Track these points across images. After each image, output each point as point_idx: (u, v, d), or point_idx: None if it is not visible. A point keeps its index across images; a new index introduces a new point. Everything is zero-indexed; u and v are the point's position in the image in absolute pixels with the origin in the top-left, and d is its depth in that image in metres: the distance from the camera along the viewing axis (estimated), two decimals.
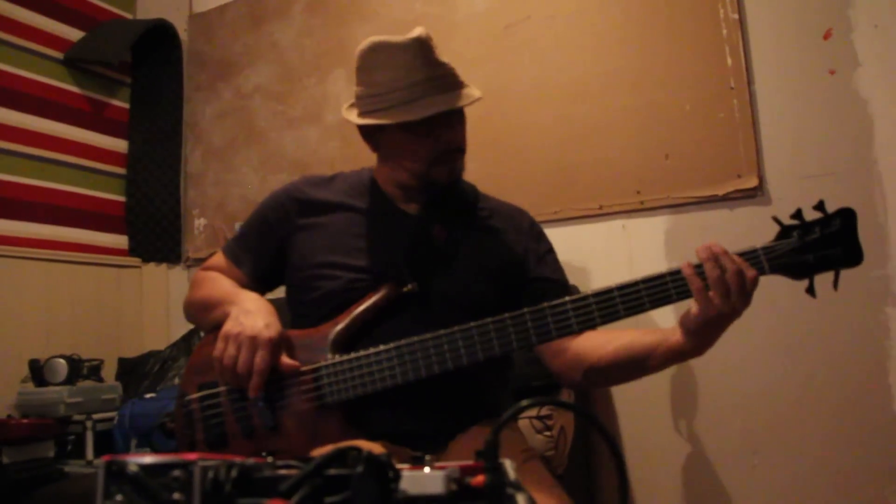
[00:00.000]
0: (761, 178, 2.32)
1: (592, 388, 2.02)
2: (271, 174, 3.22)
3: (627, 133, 2.53)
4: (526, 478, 1.36)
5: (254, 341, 1.40)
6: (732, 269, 1.24)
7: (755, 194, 2.33)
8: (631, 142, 2.52)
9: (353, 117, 1.53)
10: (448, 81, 1.48)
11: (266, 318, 1.44)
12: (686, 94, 2.44)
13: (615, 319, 1.32)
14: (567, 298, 1.34)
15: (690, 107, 2.44)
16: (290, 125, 3.21)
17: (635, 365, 1.40)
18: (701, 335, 1.31)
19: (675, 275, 1.29)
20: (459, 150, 1.53)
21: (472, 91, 1.51)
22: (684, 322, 1.31)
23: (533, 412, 1.93)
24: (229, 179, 3.35)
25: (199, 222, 3.40)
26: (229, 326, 1.43)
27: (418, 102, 1.44)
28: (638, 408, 2.47)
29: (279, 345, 1.43)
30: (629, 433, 2.47)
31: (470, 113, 1.58)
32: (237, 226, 1.75)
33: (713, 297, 1.25)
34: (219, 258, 1.70)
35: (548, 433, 1.93)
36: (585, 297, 1.33)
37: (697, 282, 1.26)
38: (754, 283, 1.26)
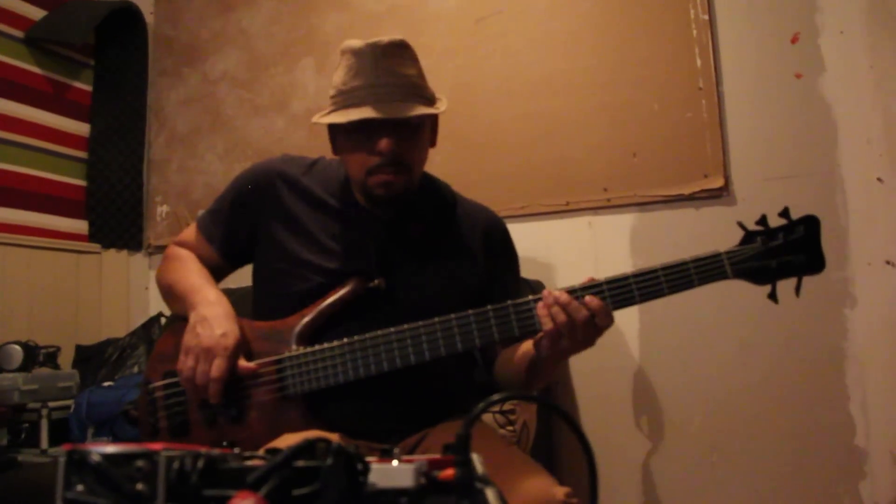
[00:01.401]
0: (727, 179, 2.35)
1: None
2: (236, 162, 3.19)
3: (596, 130, 2.55)
4: (515, 458, 1.38)
5: (209, 352, 1.42)
6: (580, 317, 1.30)
7: (721, 194, 2.36)
8: (599, 139, 2.54)
9: (316, 116, 1.53)
10: (400, 91, 1.45)
11: (223, 325, 1.45)
12: (655, 93, 2.46)
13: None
14: (531, 297, 1.36)
15: (659, 106, 2.46)
16: (256, 113, 3.19)
17: (521, 376, 1.49)
18: (556, 357, 1.39)
19: (639, 276, 1.33)
20: (397, 162, 1.47)
21: (433, 106, 1.50)
22: (540, 350, 1.39)
23: (495, 408, 1.93)
24: (193, 166, 3.31)
25: (162, 209, 3.36)
26: (187, 339, 1.46)
27: (357, 107, 1.43)
28: (599, 405, 2.49)
29: (236, 351, 1.44)
30: (590, 430, 2.48)
31: None
32: (200, 213, 1.73)
33: (562, 338, 1.33)
34: (191, 231, 1.69)
35: (510, 428, 1.94)
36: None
37: (549, 322, 1.32)
38: (606, 318, 1.32)
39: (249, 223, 1.61)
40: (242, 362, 1.45)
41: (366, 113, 1.41)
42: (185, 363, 1.44)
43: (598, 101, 2.55)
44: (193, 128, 3.34)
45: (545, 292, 1.32)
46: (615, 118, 2.52)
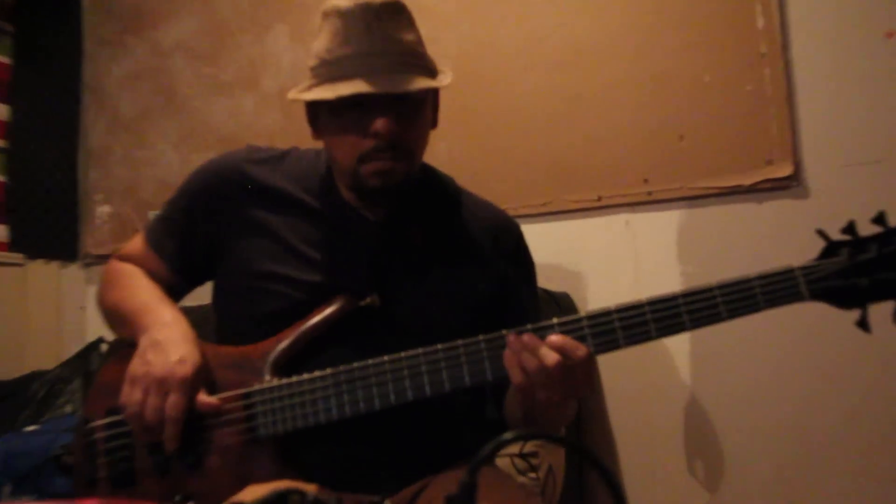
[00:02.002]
0: (797, 165, 2.33)
1: None
2: (195, 152, 3.18)
3: (633, 109, 2.53)
4: None
5: (163, 383, 1.40)
6: (552, 361, 1.27)
7: (789, 185, 2.33)
8: (637, 120, 2.53)
9: (292, 92, 1.52)
10: (397, 60, 1.45)
11: (180, 349, 1.43)
12: (705, 61, 2.44)
13: (613, 349, 1.32)
14: (555, 320, 1.34)
15: (711, 77, 2.44)
16: (219, 92, 3.18)
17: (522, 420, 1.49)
18: (539, 412, 1.40)
19: (690, 296, 1.30)
20: (395, 146, 1.46)
21: (436, 79, 1.50)
22: (523, 407, 1.42)
23: (514, 449, 1.92)
24: (142, 157, 3.29)
25: (103, 210, 3.35)
26: (135, 367, 1.43)
27: (347, 80, 1.42)
28: (643, 445, 2.47)
29: (196, 382, 1.42)
30: (631, 475, 2.48)
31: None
32: (151, 215, 1.72)
33: (537, 390, 1.31)
34: (138, 243, 1.69)
35: (533, 475, 1.93)
36: (579, 320, 1.33)
37: (519, 375, 1.30)
38: (587, 366, 1.30)
39: (208, 232, 1.60)
40: (203, 396, 1.43)
41: (359, 87, 1.40)
42: (132, 396, 1.41)
43: (635, 73, 2.54)
44: (141, 110, 3.32)
45: (510, 337, 1.32)
46: (656, 93, 2.51)
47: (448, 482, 1.42)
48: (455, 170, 1.71)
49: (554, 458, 1.98)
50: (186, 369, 1.41)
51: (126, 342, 1.55)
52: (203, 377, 1.45)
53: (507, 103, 2.70)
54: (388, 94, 1.42)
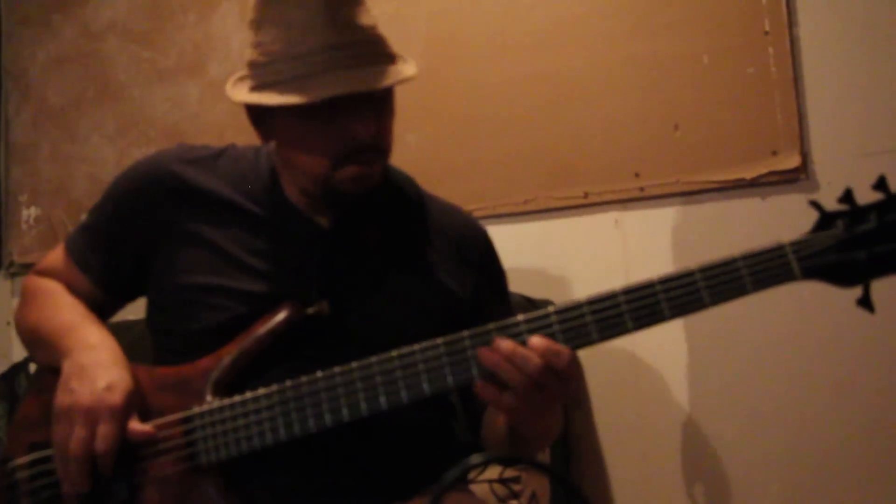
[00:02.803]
0: (805, 156, 2.32)
1: None
2: (134, 146, 3.19)
3: (623, 95, 2.53)
4: None
5: (89, 413, 1.39)
6: (534, 364, 1.27)
7: (796, 177, 2.32)
8: (628, 107, 2.52)
9: (239, 92, 1.51)
10: (366, 51, 1.47)
11: (108, 373, 1.43)
12: (703, 40, 2.44)
13: (587, 344, 1.33)
14: (520, 317, 1.34)
15: (709, 58, 2.43)
16: (160, 79, 3.18)
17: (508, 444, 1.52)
18: (526, 419, 1.38)
19: (668, 282, 1.31)
20: (375, 149, 1.51)
21: (403, 67, 1.51)
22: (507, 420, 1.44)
23: (494, 473, 1.91)
24: (73, 153, 3.29)
25: (29, 212, 3.35)
26: (59, 399, 1.43)
27: (317, 78, 1.42)
28: (635, 467, 2.47)
29: (126, 409, 1.42)
30: (623, 501, 2.47)
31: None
32: (85, 218, 1.72)
33: (522, 403, 1.30)
34: (58, 256, 1.69)
35: (514, 502, 1.93)
36: (546, 315, 1.33)
37: (493, 392, 1.30)
38: (569, 366, 1.29)
39: (136, 242, 1.62)
40: (135, 424, 1.43)
41: (336, 87, 1.40)
42: (56, 432, 1.41)
43: (624, 55, 2.53)
44: (71, 99, 3.31)
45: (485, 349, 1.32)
46: (649, 77, 2.50)
47: None
48: (425, 164, 1.71)
49: (538, 483, 1.99)
50: (114, 397, 1.41)
51: (48, 369, 1.56)
52: (135, 403, 1.45)
53: (483, 89, 2.69)
54: (366, 92, 1.43)
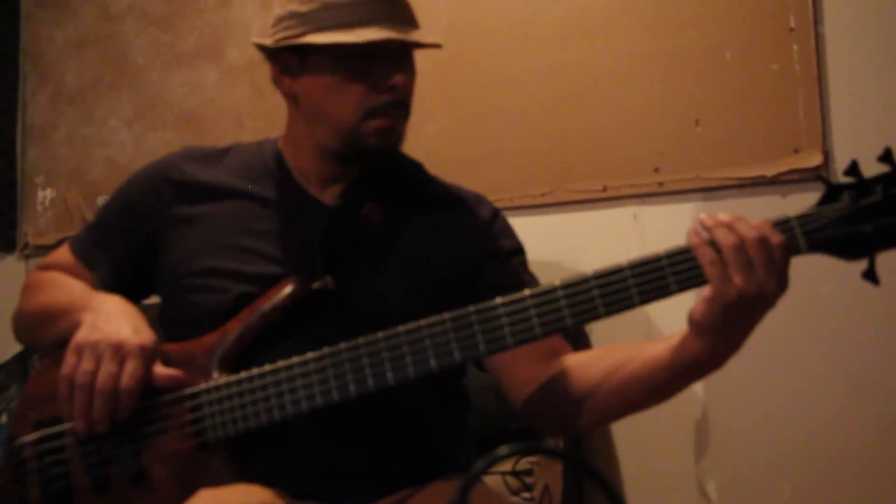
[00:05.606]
0: (827, 155, 2.33)
1: (572, 430, 2.01)
2: (151, 130, 3.19)
3: (644, 89, 2.54)
4: None
5: (119, 349, 1.39)
6: (752, 235, 1.22)
7: (819, 176, 2.32)
8: (648, 101, 2.53)
9: (266, 39, 1.54)
10: (402, 11, 1.51)
11: (134, 320, 1.44)
12: (726, 36, 2.44)
13: (592, 319, 1.32)
14: (527, 292, 1.33)
15: (732, 54, 2.44)
16: (178, 63, 3.18)
17: (632, 390, 1.42)
18: (718, 330, 1.28)
19: (674, 256, 1.27)
20: (403, 105, 1.54)
21: (430, 35, 1.55)
22: (695, 316, 1.28)
23: (507, 466, 1.92)
24: (90, 135, 3.29)
25: (45, 194, 3.35)
26: (84, 334, 1.42)
27: (363, 26, 1.44)
28: (650, 465, 2.48)
29: (153, 354, 1.43)
30: (634, 496, 2.48)
31: (425, 61, 1.58)
32: (100, 201, 1.72)
33: (732, 272, 1.22)
34: (63, 255, 1.69)
35: (527, 495, 1.93)
36: (553, 290, 1.32)
37: (709, 253, 1.23)
38: (783, 251, 1.23)
39: (142, 239, 1.63)
40: (162, 369, 1.43)
41: (390, 34, 1.45)
42: (80, 366, 1.39)
43: (647, 49, 2.54)
44: (89, 82, 3.31)
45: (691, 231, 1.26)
46: (670, 72, 2.51)
47: (430, 499, 1.45)
48: (443, 154, 1.72)
49: (551, 476, 1.99)
50: (144, 338, 1.42)
51: (59, 342, 1.52)
52: (159, 352, 1.45)
53: (503, 81, 2.69)
54: (401, 47, 1.49)
